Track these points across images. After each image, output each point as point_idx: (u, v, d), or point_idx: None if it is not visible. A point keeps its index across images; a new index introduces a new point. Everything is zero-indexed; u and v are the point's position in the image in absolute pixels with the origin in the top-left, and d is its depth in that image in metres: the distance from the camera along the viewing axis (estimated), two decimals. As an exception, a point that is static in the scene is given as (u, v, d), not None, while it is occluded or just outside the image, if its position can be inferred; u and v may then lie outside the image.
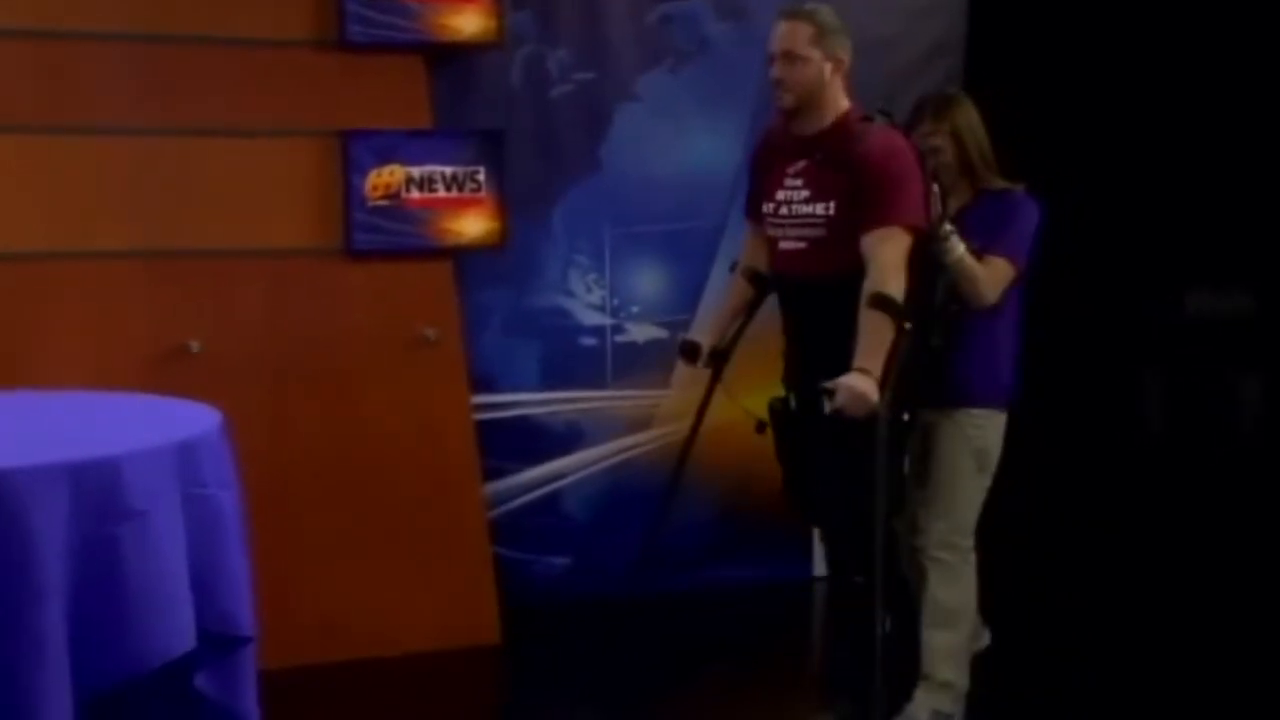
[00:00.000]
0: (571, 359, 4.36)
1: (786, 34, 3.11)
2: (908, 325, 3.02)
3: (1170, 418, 5.94)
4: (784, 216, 3.18)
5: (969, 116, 3.35)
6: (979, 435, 3.30)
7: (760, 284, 3.38)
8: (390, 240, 3.98)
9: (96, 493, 2.21)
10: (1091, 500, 5.39)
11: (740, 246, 3.50)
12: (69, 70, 3.66)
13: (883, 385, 2.96)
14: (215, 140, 3.81)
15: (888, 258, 3.01)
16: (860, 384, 2.93)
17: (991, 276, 3.23)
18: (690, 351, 3.38)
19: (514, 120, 4.20)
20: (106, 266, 3.73)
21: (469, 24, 4.02)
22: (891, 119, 3.18)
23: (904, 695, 3.31)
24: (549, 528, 4.36)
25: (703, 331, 3.47)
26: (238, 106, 3.82)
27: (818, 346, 3.15)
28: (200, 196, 3.81)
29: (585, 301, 4.35)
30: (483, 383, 4.20)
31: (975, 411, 3.29)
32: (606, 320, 4.39)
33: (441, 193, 4.04)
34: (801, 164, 3.16)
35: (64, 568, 2.16)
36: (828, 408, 2.98)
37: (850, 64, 3.16)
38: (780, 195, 3.19)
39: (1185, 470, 5.65)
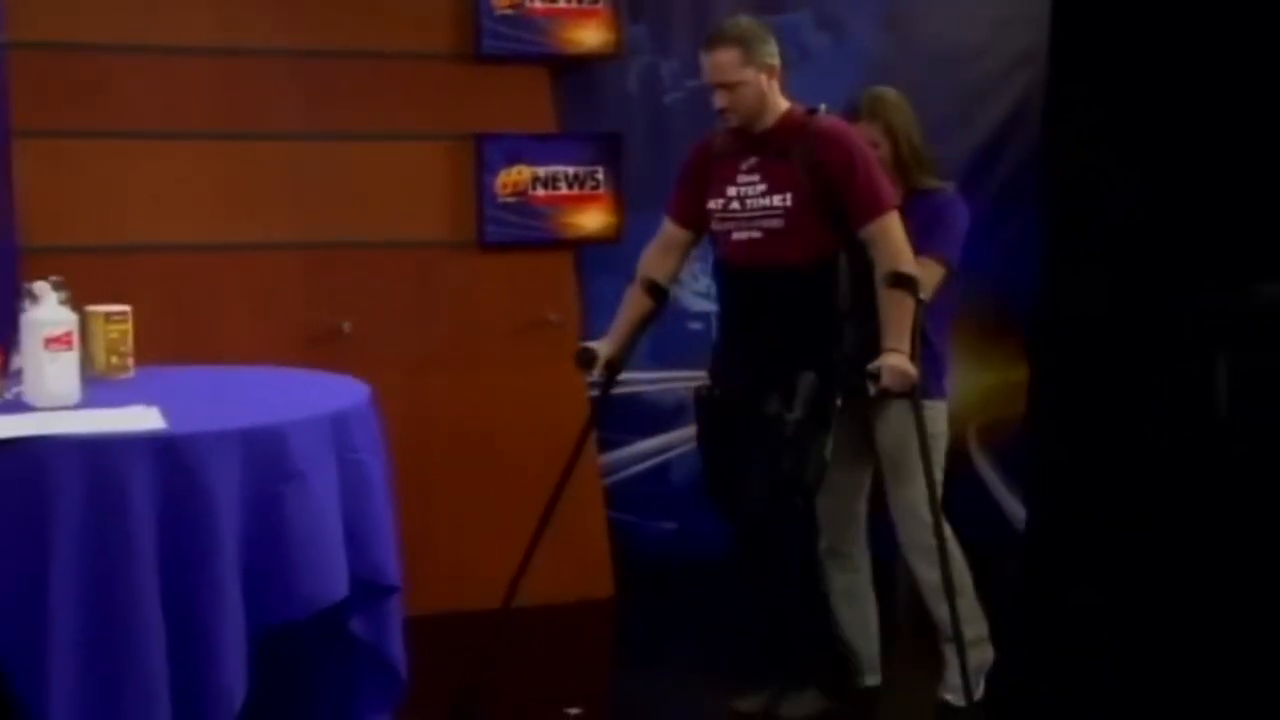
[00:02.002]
0: (680, 341, 4.36)
1: (716, 66, 2.99)
2: (923, 298, 2.96)
3: (1236, 405, 5.73)
4: (736, 210, 3.05)
5: (902, 114, 3.20)
6: (930, 424, 3.13)
7: (658, 296, 3.23)
8: (518, 233, 4.02)
9: (264, 455, 2.24)
10: (1159, 484, 5.23)
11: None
12: (239, 83, 3.76)
13: (912, 358, 2.93)
14: (365, 144, 3.88)
15: (894, 237, 2.96)
16: (900, 362, 2.91)
17: (924, 277, 3.04)
18: (587, 359, 3.21)
19: (630, 124, 4.22)
20: (270, 257, 3.82)
21: (590, 37, 4.05)
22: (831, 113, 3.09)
23: (807, 674, 3.20)
24: (657, 495, 4.38)
25: (602, 341, 3.27)
26: (385, 113, 3.89)
27: (769, 335, 3.02)
28: (352, 194, 3.88)
29: (692, 289, 4.36)
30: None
31: (926, 403, 3.12)
32: (711, 306, 4.36)
33: (564, 190, 4.07)
34: (754, 160, 3.04)
35: (237, 520, 2.20)
36: (873, 390, 2.93)
37: (781, 64, 3.03)
38: (732, 191, 3.05)
39: (1250, 457, 5.46)
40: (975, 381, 4.84)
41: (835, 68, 4.34)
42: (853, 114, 3.19)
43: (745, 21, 3.07)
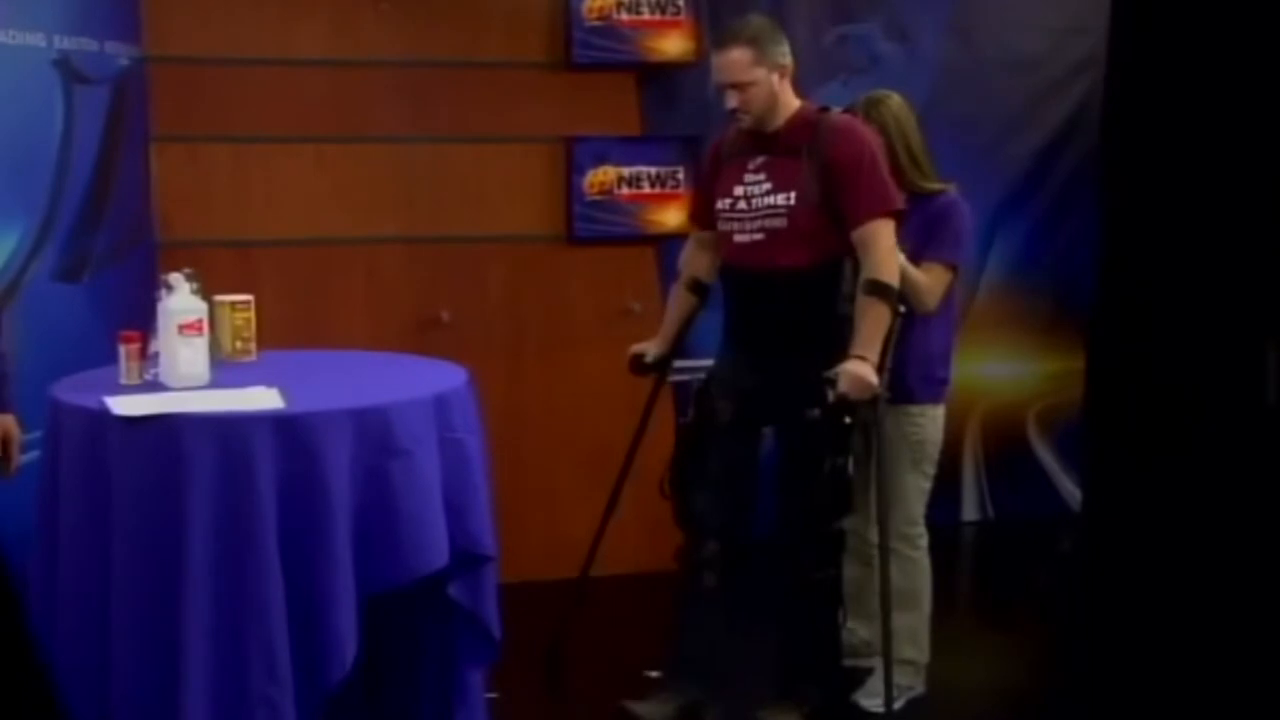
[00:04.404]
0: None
1: (728, 66, 2.75)
2: (903, 309, 2.74)
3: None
4: (742, 210, 2.82)
5: (898, 117, 2.96)
6: (916, 430, 2.98)
7: (701, 292, 3.08)
8: (604, 229, 4.02)
9: (373, 434, 2.27)
10: (1209, 471, 5.07)
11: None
12: (352, 92, 3.80)
13: (880, 369, 2.70)
14: (464, 146, 3.90)
15: (882, 245, 2.71)
16: (861, 369, 2.66)
17: (932, 283, 2.90)
18: (639, 364, 3.13)
19: (709, 127, 4.15)
20: (378, 250, 3.87)
21: (672, 46, 4.02)
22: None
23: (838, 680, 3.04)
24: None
25: (652, 342, 3.15)
26: (484, 118, 3.90)
27: (771, 341, 2.81)
28: (452, 192, 3.90)
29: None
30: (678, 349, 4.21)
31: (913, 409, 2.97)
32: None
33: (647, 189, 4.05)
34: (762, 159, 2.82)
35: (349, 493, 2.23)
36: (831, 395, 2.67)
37: (792, 63, 2.81)
38: (739, 190, 2.83)
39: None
40: (1035, 369, 4.77)
41: (904, 75, 4.25)
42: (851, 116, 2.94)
43: (756, 20, 2.85)
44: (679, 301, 3.14)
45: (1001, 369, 4.69)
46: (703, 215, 3.04)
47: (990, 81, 4.42)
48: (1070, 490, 4.82)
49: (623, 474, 3.30)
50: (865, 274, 2.72)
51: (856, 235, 2.74)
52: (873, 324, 2.70)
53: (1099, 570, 4.41)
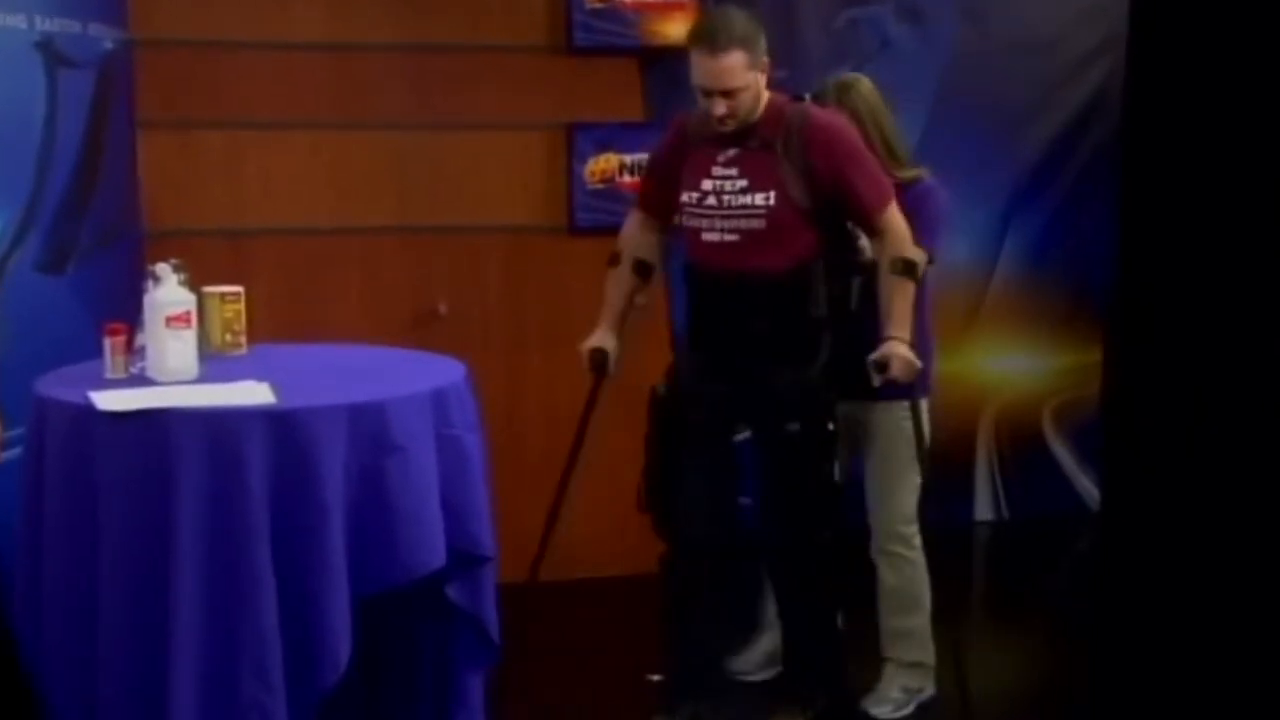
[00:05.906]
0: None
1: (724, 73, 2.57)
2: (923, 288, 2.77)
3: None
4: (711, 207, 2.69)
5: (868, 102, 2.91)
6: (911, 425, 2.92)
7: (645, 273, 2.96)
8: (606, 218, 3.97)
9: (368, 429, 2.26)
10: (1230, 466, 5.04)
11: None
12: (348, 76, 3.78)
13: (910, 346, 2.70)
14: (464, 133, 3.88)
15: (900, 225, 2.71)
16: (908, 352, 2.66)
17: None
18: (600, 362, 3.00)
19: (715, 114, 4.16)
20: (374, 241, 3.85)
21: (678, 29, 3.98)
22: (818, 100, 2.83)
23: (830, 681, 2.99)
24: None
25: (602, 334, 3.01)
26: (483, 104, 3.88)
27: (743, 342, 2.73)
28: (451, 181, 3.89)
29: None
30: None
31: (906, 403, 2.90)
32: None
33: (650, 177, 4.03)
34: (733, 151, 2.67)
35: (342, 491, 2.23)
36: (878, 380, 2.69)
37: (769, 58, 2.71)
38: (708, 185, 2.69)
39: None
40: (1051, 364, 4.75)
41: (915, 59, 4.24)
42: (819, 102, 2.89)
43: (739, 19, 2.65)
44: (623, 285, 2.97)
45: (1016, 363, 4.66)
46: (649, 200, 2.92)
47: (1005, 65, 4.39)
48: (1087, 488, 4.80)
49: (567, 472, 3.19)
50: (891, 254, 2.72)
51: (878, 226, 2.74)
52: (904, 302, 2.70)
53: (1117, 570, 4.39)
